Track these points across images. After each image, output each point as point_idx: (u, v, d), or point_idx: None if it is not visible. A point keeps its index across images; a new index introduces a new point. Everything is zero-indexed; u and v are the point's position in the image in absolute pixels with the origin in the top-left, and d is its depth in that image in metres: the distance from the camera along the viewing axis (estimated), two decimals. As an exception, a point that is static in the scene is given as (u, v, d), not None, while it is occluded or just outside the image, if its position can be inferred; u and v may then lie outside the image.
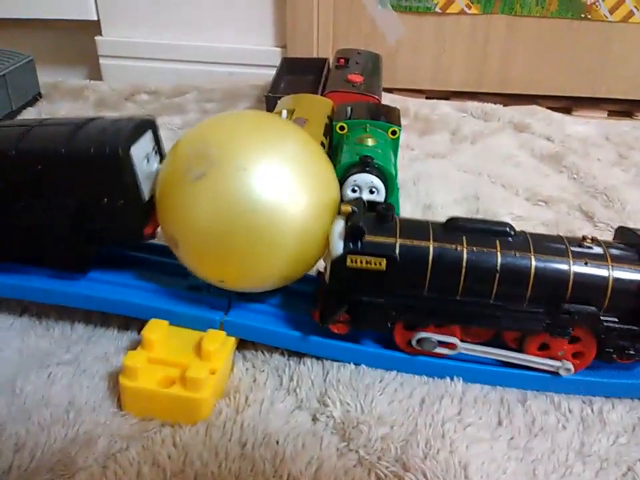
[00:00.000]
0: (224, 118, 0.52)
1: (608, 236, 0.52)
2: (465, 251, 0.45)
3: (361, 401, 0.47)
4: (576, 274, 0.45)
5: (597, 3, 1.07)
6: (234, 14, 1.15)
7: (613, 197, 0.79)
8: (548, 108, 1.08)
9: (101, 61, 1.21)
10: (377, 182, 0.60)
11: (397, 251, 0.45)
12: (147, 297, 0.52)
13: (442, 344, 0.48)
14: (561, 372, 0.48)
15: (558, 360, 0.48)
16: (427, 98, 1.17)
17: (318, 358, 0.51)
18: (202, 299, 0.52)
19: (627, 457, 0.44)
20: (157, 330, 0.48)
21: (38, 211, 0.50)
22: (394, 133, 0.67)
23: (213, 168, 0.46)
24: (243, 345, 0.52)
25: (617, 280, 0.45)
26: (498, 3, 1.09)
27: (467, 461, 0.42)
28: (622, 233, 0.50)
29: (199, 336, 0.48)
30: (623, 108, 1.15)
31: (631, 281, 0.45)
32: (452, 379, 0.49)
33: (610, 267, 0.45)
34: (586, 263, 0.45)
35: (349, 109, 0.70)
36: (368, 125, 0.67)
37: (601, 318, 0.46)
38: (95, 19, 1.17)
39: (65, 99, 1.08)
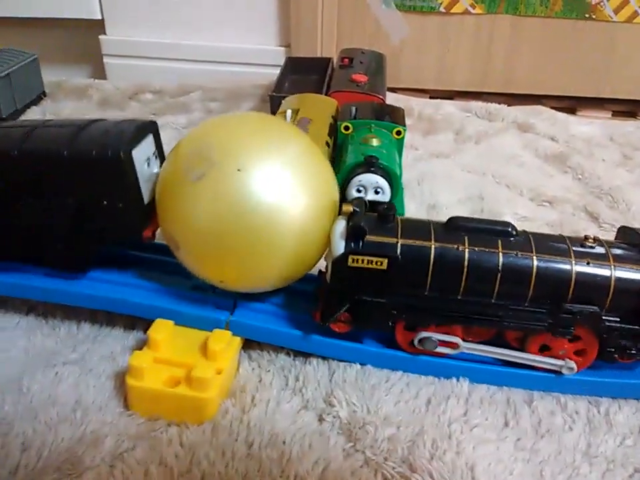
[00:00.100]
0: (227, 119, 0.52)
1: (613, 237, 0.51)
2: (466, 250, 0.45)
3: (367, 401, 0.47)
4: (578, 274, 0.45)
5: (601, 3, 1.07)
6: (238, 13, 1.15)
7: (618, 197, 0.79)
8: (552, 108, 1.08)
9: (105, 60, 1.21)
10: (382, 182, 0.60)
11: (399, 251, 0.45)
12: (152, 296, 0.52)
13: (444, 343, 0.48)
14: (564, 370, 0.48)
15: (560, 359, 0.48)
16: (430, 98, 1.16)
17: (324, 358, 0.51)
18: (207, 298, 0.52)
19: (634, 458, 0.44)
20: (162, 330, 0.48)
21: (38, 211, 0.50)
22: (399, 133, 0.67)
23: (214, 169, 0.46)
24: (248, 344, 0.52)
25: (619, 280, 0.45)
26: (502, 3, 1.09)
27: (473, 462, 0.42)
28: (624, 232, 0.50)
29: (205, 336, 0.48)
30: (628, 108, 1.15)
31: (633, 281, 0.45)
32: (458, 380, 0.49)
33: (612, 266, 0.45)
34: (588, 263, 0.45)
35: (353, 108, 0.70)
36: (373, 125, 0.67)
37: (603, 318, 0.46)
38: (99, 18, 1.17)
39: (69, 98, 1.08)
